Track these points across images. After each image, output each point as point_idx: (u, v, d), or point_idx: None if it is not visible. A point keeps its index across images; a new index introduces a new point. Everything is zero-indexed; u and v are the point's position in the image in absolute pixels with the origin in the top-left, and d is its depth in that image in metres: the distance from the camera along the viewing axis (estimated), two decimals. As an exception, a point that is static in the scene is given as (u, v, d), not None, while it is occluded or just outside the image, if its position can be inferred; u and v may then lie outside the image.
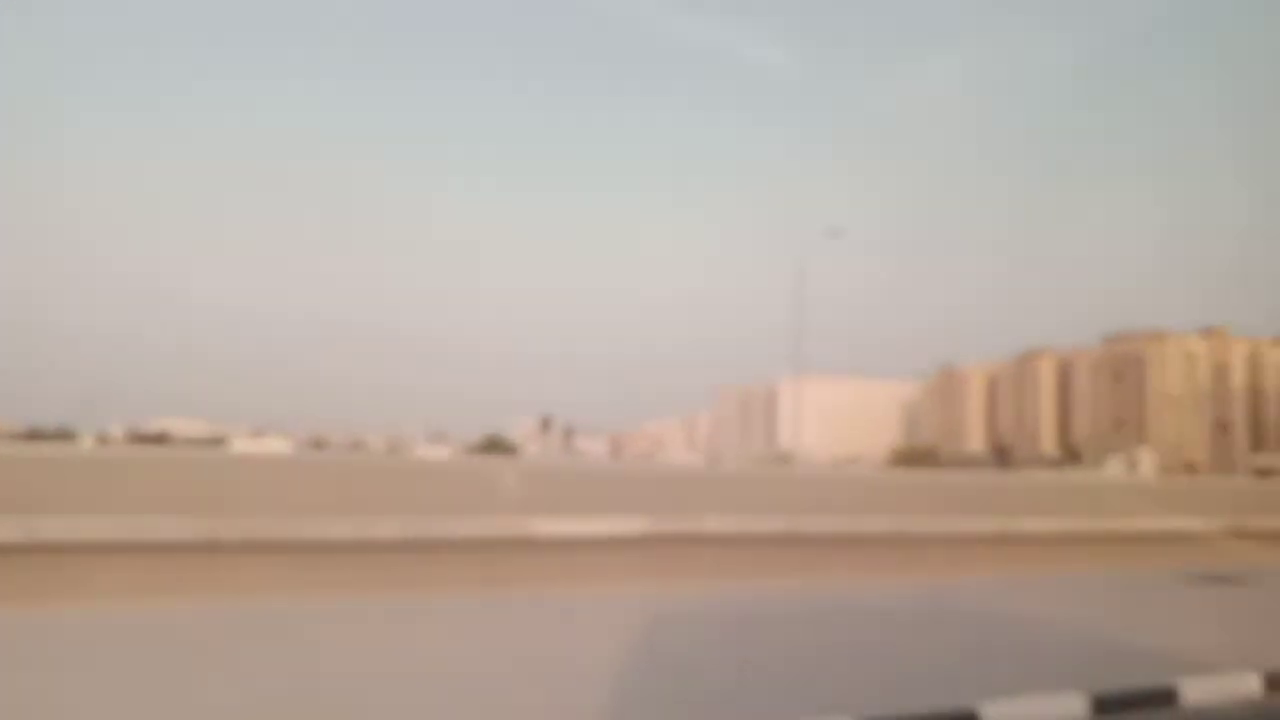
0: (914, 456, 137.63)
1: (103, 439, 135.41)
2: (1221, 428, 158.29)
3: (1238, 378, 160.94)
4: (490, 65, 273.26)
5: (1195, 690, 6.68)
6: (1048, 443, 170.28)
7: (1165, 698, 6.59)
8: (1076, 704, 6.27)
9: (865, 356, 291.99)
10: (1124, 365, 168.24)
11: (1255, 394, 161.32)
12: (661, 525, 10.38)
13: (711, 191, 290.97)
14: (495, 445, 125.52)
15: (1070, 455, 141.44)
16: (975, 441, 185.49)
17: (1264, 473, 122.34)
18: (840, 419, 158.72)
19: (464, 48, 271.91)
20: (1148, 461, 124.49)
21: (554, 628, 8.35)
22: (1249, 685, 6.98)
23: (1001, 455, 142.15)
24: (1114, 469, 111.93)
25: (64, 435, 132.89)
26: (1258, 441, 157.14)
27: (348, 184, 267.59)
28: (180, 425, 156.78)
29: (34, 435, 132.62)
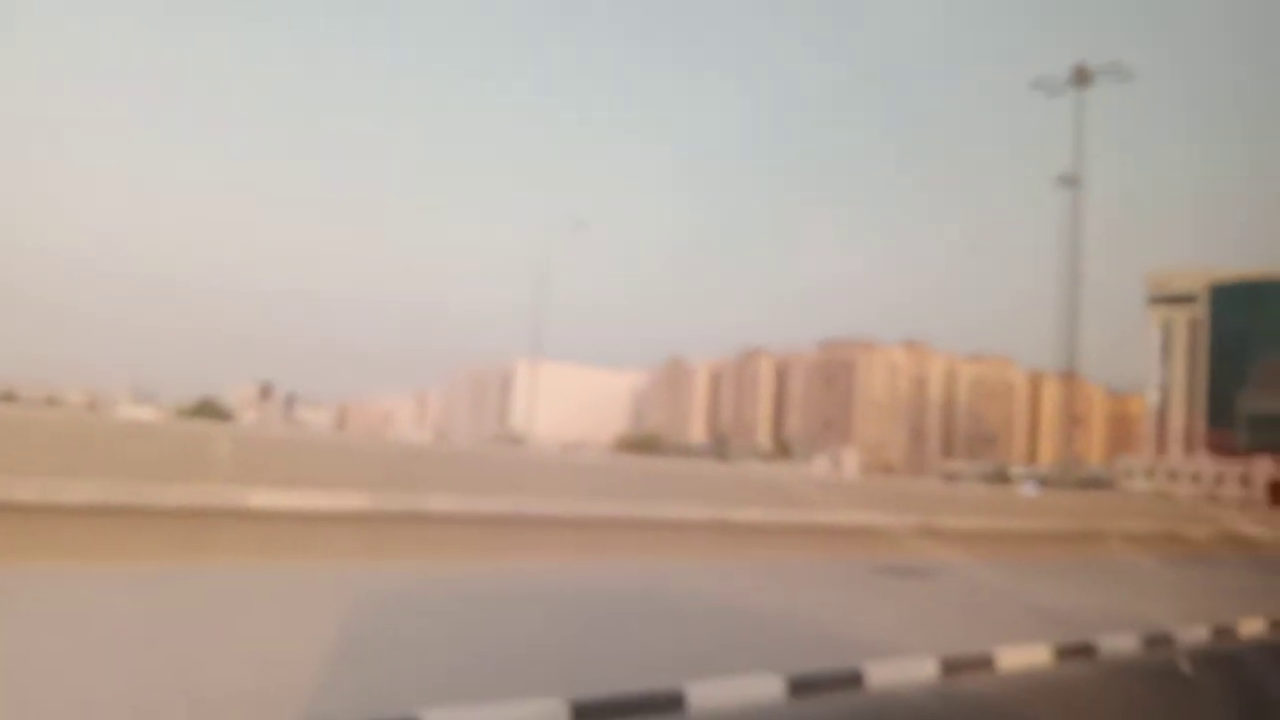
0: (638, 444, 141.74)
1: None
2: (917, 433, 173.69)
3: (934, 389, 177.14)
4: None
5: (880, 673, 7.24)
6: (763, 437, 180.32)
7: (853, 679, 7.11)
8: (774, 684, 6.65)
9: (603, 345, 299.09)
10: (835, 370, 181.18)
11: (948, 405, 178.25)
12: (385, 502, 10.08)
13: (464, 163, 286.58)
14: (208, 410, 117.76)
15: (782, 450, 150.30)
16: (697, 432, 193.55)
17: (950, 477, 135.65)
18: (573, 404, 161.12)
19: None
20: (850, 460, 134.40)
21: (254, 601, 7.91)
22: (927, 669, 7.65)
23: (719, 446, 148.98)
24: (820, 466, 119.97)
25: None
26: (948, 448, 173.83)
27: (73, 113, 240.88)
28: None
29: None
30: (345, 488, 9.87)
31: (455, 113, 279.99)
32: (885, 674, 7.21)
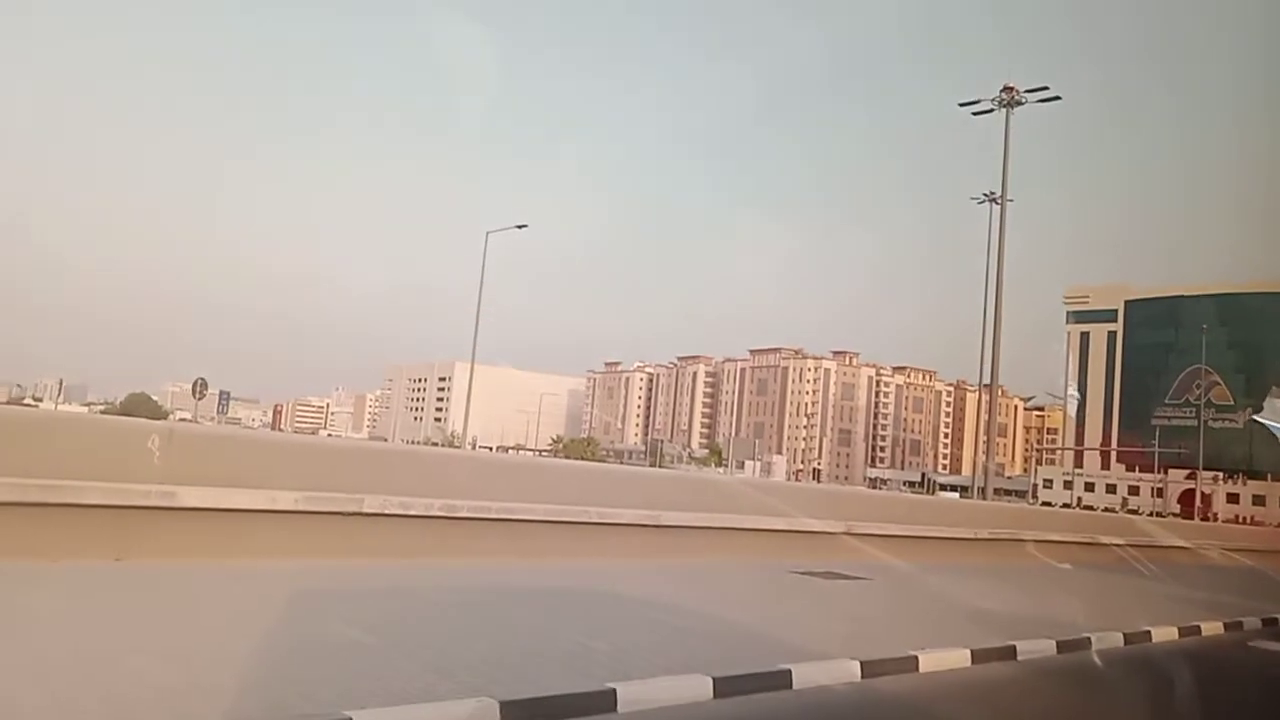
0: (573, 447, 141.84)
1: None
2: (845, 440, 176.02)
3: (862, 398, 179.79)
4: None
5: (806, 674, 7.41)
6: (696, 442, 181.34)
7: (781, 680, 7.26)
8: (703, 685, 6.76)
9: (542, 350, 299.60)
10: (767, 377, 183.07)
11: (875, 413, 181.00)
12: (318, 501, 9.99)
13: (403, 169, 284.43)
14: (140, 406, 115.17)
15: (715, 454, 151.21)
16: (632, 436, 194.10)
17: (876, 482, 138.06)
18: (510, 407, 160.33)
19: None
20: (780, 465, 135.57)
21: (181, 600, 7.81)
22: (850, 671, 7.84)
23: (654, 450, 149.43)
24: (751, 470, 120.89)
25: None
26: (873, 454, 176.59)
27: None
28: None
29: None
30: (280, 486, 9.76)
31: (392, 118, 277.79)
32: (811, 675, 7.37)
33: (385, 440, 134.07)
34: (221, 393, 66.44)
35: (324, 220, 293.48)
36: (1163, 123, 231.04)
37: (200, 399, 52.38)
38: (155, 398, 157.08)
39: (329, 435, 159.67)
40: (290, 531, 9.82)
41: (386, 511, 10.63)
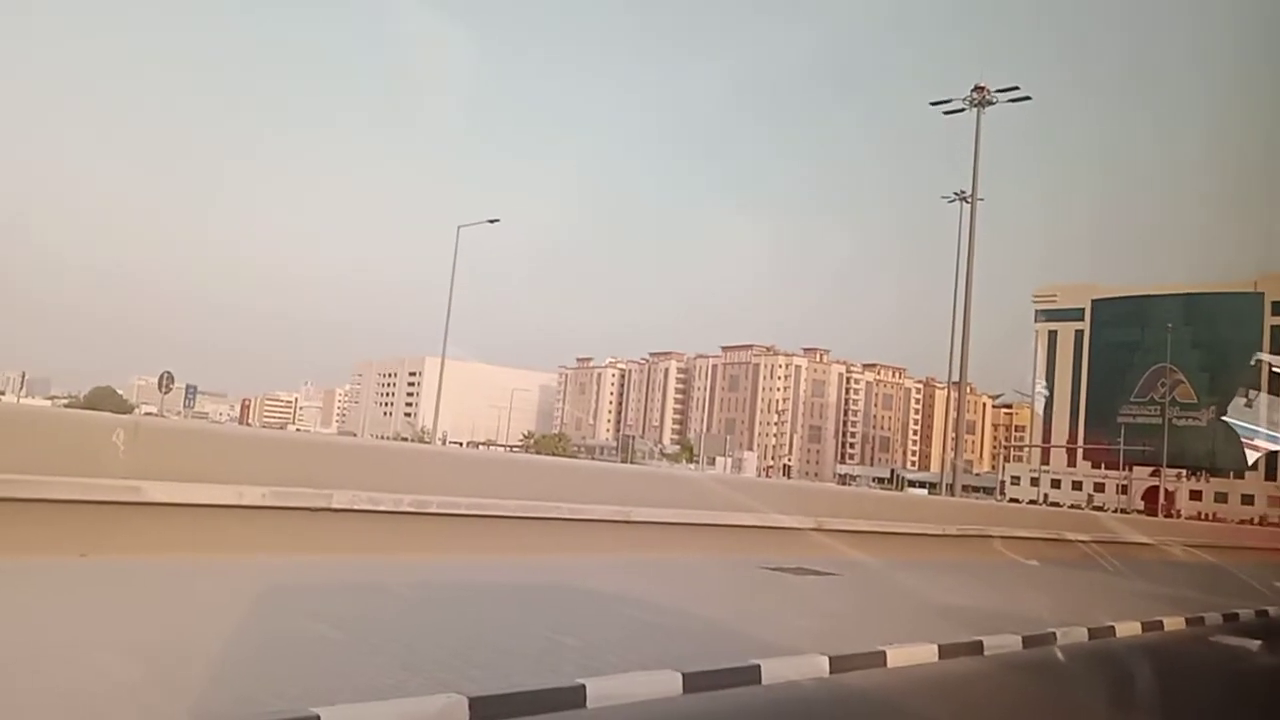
0: (544, 443, 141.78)
1: None
2: (815, 437, 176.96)
3: (832, 394, 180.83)
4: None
5: (775, 669, 7.44)
6: (668, 437, 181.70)
7: (750, 675, 7.29)
8: (673, 680, 6.78)
9: (513, 345, 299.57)
10: (738, 374, 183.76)
11: (845, 410, 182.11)
12: (286, 496, 9.91)
13: (375, 163, 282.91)
14: (106, 400, 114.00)
15: (686, 450, 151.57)
16: (604, 432, 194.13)
17: (845, 479, 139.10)
18: (481, 403, 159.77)
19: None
20: (751, 461, 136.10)
21: (147, 595, 7.73)
22: (819, 666, 7.88)
23: (625, 446, 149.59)
24: (722, 466, 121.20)
25: None
26: (843, 451, 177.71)
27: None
28: None
29: None
30: (248, 481, 9.67)
31: (386, 118, 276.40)
32: (780, 670, 7.41)
33: (354, 435, 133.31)
34: (188, 387, 65.56)
35: (315, 219, 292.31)
36: (1134, 123, 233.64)
37: (166, 393, 51.73)
38: (121, 391, 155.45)
39: (298, 430, 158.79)
40: (258, 527, 9.73)
41: (355, 507, 10.57)
